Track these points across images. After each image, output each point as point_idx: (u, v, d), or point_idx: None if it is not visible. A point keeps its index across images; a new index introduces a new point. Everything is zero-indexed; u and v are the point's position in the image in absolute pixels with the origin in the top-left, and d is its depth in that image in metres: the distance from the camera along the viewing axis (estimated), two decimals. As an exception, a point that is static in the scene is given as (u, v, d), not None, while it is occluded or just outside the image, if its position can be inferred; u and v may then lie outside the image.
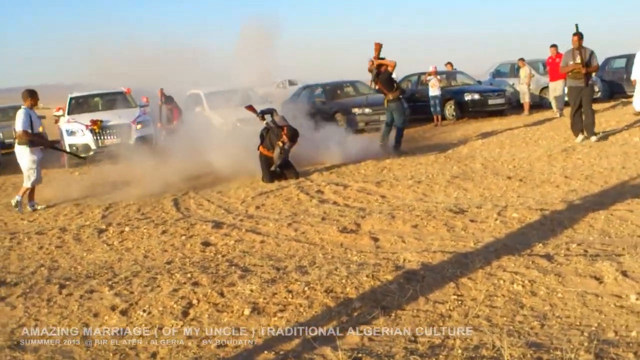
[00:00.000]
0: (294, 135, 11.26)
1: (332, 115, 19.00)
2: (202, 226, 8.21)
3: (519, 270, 5.64)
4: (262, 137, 11.57)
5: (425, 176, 10.57)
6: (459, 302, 5.07)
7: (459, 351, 4.15)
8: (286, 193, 10.03)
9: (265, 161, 11.35)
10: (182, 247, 7.36)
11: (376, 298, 5.24)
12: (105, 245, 7.79)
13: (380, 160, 12.65)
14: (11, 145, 21.17)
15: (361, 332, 4.62)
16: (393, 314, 4.92)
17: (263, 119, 11.91)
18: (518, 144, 13.76)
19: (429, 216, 7.72)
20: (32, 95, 10.33)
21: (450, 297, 5.20)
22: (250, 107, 12.36)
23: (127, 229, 8.44)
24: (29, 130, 10.14)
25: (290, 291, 5.46)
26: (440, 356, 4.11)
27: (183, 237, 7.76)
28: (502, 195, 8.86)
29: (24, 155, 10.38)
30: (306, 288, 5.50)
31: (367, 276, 5.69)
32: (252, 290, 5.52)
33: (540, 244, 6.38)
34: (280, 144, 11.11)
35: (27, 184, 10.47)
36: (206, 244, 7.42)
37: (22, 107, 10.36)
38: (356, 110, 18.51)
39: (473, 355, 4.07)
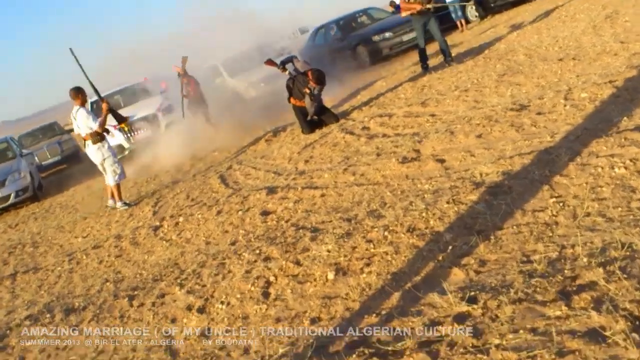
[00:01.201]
0: (320, 77, 10.54)
1: (354, 49, 18.25)
2: (255, 196, 7.69)
3: (614, 151, 5.01)
4: (289, 88, 10.92)
5: (470, 82, 9.84)
6: (561, 205, 4.47)
7: (584, 260, 3.56)
8: (331, 139, 9.42)
9: (300, 112, 10.73)
10: (242, 223, 6.86)
11: (466, 224, 4.67)
12: (164, 242, 7.34)
13: (417, 80, 11.92)
14: (49, 167, 21.23)
15: (464, 266, 4.07)
16: (492, 237, 4.35)
17: (285, 69, 11.22)
18: (555, 24, 12.85)
19: (490, 121, 7.06)
20: (79, 91, 9.74)
21: (549, 201, 4.60)
22: (269, 62, 11.71)
23: (181, 219, 7.98)
24: (97, 124, 9.70)
25: (370, 241, 4.92)
26: (566, 271, 3.52)
27: (240, 213, 7.26)
28: (559, 80, 8.13)
29: (103, 153, 9.94)
30: (386, 233, 4.95)
31: (447, 202, 5.11)
32: (328, 251, 5.00)
33: (625, 118, 5.71)
34: (308, 90, 10.42)
35: (113, 181, 10.12)
36: (265, 213, 6.91)
37: (76, 106, 9.80)
38: (376, 38, 17.69)
39: (603, 261, 3.48)
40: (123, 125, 14.78)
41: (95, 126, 9.62)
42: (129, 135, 15.41)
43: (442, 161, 6.40)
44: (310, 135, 10.34)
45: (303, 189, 7.24)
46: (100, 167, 10.21)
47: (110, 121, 15.51)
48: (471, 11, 19.46)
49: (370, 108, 10.80)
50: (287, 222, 6.35)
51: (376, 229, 5.09)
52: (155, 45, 22.40)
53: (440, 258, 4.30)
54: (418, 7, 11.85)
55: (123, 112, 15.94)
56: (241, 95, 16.67)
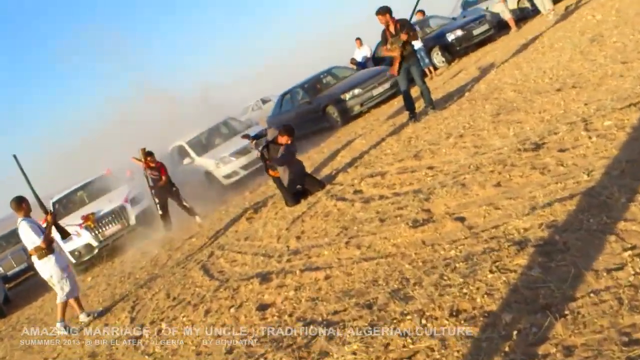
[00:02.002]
0: (287, 128, 9.66)
1: (323, 111, 17.45)
2: (247, 287, 6.64)
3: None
4: (264, 159, 9.95)
5: (462, 127, 8.97)
6: (643, 257, 3.51)
7: None
8: (321, 208, 8.44)
9: (281, 183, 9.76)
10: (237, 323, 5.79)
11: (527, 298, 3.68)
12: (146, 357, 6.22)
13: (400, 132, 11.03)
14: (15, 277, 19.95)
15: (544, 358, 3.07)
16: (567, 313, 3.37)
17: (256, 143, 10.45)
18: (534, 57, 12.15)
19: (505, 166, 6.16)
20: (21, 201, 8.64)
21: (623, 255, 3.68)
22: (245, 136, 10.96)
23: (163, 325, 6.88)
24: (41, 239, 8.47)
25: (405, 334, 3.91)
26: None
27: (232, 310, 6.20)
28: (566, 111, 7.29)
29: (50, 267, 8.67)
30: (423, 320, 3.95)
31: (490, 272, 4.14)
32: (354, 354, 3.98)
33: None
34: (282, 151, 9.50)
35: (62, 297, 8.82)
36: (263, 307, 5.85)
37: (20, 219, 8.69)
38: (346, 96, 16.90)
39: None
40: (89, 222, 13.83)
41: (38, 241, 8.46)
42: (96, 232, 14.30)
43: (461, 219, 5.44)
44: (295, 207, 9.35)
45: (302, 271, 6.21)
46: (49, 283, 9.01)
47: (75, 220, 14.55)
48: (437, 57, 18.86)
49: (357, 169, 9.86)
50: (290, 316, 5.30)
51: (409, 317, 4.09)
52: (112, 133, 21.58)
53: (506, 349, 3.30)
54: (396, 53, 11.03)
55: (88, 207, 14.97)
56: (212, 174, 15.70)
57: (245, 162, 15.43)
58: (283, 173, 9.62)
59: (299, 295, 5.66)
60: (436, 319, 3.91)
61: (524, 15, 20.31)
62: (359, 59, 21.18)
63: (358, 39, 21.30)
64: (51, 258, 8.60)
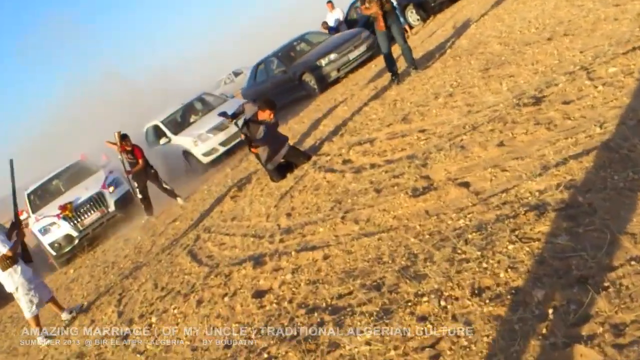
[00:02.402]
0: (267, 100, 9.15)
1: (300, 79, 16.91)
2: (240, 272, 6.23)
3: None
4: (247, 137, 9.45)
5: (450, 86, 8.56)
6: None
7: None
8: (309, 182, 8.01)
9: (266, 159, 9.30)
10: (233, 314, 5.38)
11: (558, 270, 3.30)
12: (137, 355, 5.81)
13: (384, 96, 10.58)
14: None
15: (591, 339, 2.71)
16: (608, 284, 3.00)
17: (231, 120, 10.01)
18: (515, 7, 11.71)
19: (507, 124, 5.78)
20: None
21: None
22: (223, 114, 10.47)
23: (153, 319, 6.47)
24: (7, 247, 7.87)
25: (424, 318, 3.53)
26: None
27: (226, 298, 5.79)
28: (561, 61, 6.91)
29: (15, 279, 7.97)
30: (442, 302, 3.56)
31: (511, 242, 3.76)
32: (369, 344, 3.59)
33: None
34: (263, 125, 8.98)
35: (33, 311, 8.14)
36: (259, 293, 5.45)
37: None
38: (322, 62, 16.36)
39: None
40: (67, 212, 13.31)
41: (4, 250, 7.86)
42: (75, 222, 13.77)
43: (466, 185, 5.06)
44: (282, 182, 8.91)
45: (297, 252, 5.81)
46: (14, 296, 8.30)
47: (52, 211, 14.01)
48: (412, 15, 18.33)
49: (342, 137, 9.42)
50: (290, 302, 4.91)
51: (425, 298, 3.71)
52: (89, 114, 20.98)
53: (544, 331, 2.92)
54: (374, 10, 10.50)
55: (65, 196, 14.41)
56: (191, 152, 15.19)
57: (223, 137, 14.91)
58: (263, 151, 9.14)
59: (297, 279, 5.26)
60: (457, 299, 3.54)
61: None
62: (331, 23, 20.61)
63: (329, 2, 20.65)
64: (17, 269, 7.96)
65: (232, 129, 14.91)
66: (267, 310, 5.03)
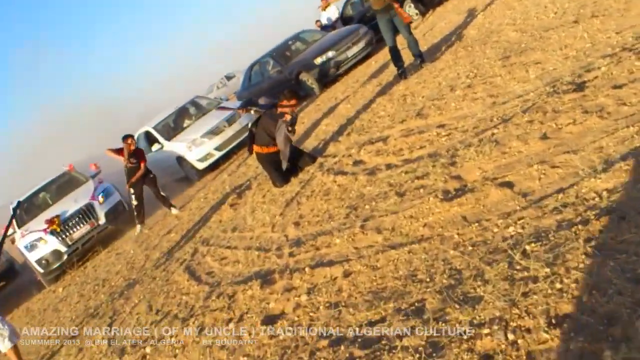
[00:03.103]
0: (293, 92, 8.53)
1: (297, 79, 16.14)
2: (246, 292, 5.46)
3: None
4: (251, 134, 8.68)
5: (466, 76, 7.82)
6: None
7: None
8: (318, 186, 7.26)
9: (269, 160, 8.52)
10: (240, 345, 4.61)
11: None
12: (130, 394, 5.05)
13: (391, 91, 9.81)
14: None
15: None
16: None
17: (248, 109, 9.08)
18: (526, -7, 10.99)
19: (547, 114, 5.04)
20: None
21: None
22: (222, 107, 9.71)
23: (148, 349, 5.68)
24: None
25: (489, 357, 2.77)
26: None
27: (231, 325, 5.01)
28: (595, 44, 6.17)
29: None
30: (511, 334, 2.81)
31: (587, 255, 3.02)
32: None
33: None
34: (288, 118, 8.09)
35: (11, 341, 7.08)
36: (270, 319, 4.68)
37: None
38: (319, 60, 15.61)
39: None
40: (54, 226, 12.53)
41: None
42: (63, 236, 12.96)
43: (508, 185, 4.31)
44: (286, 188, 8.16)
45: (312, 268, 5.04)
46: None
47: (38, 225, 13.21)
48: (410, 9, 17.58)
49: (349, 136, 8.67)
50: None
51: (485, 329, 2.95)
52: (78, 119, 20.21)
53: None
54: (376, 3, 9.74)
55: (52, 209, 13.63)
56: (185, 158, 14.39)
57: (219, 142, 14.15)
58: (285, 147, 8.33)
59: (314, 301, 4.50)
60: (529, 330, 2.79)
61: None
62: (324, 21, 19.90)
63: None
64: None
65: (229, 132, 14.19)
66: (280, 340, 4.27)
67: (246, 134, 14.27)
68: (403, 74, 10.12)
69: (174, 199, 12.76)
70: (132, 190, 11.64)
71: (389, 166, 6.39)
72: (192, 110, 16.59)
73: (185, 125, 15.76)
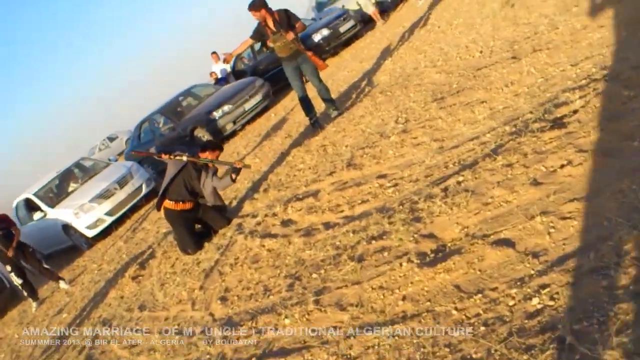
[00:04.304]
0: (215, 143, 7.95)
1: (191, 135, 15.06)
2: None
3: None
4: (164, 189, 7.46)
5: (395, 121, 7.13)
6: None
7: None
8: (241, 252, 6.27)
9: (183, 219, 7.42)
10: None
11: None
12: None
13: (307, 143, 8.93)
14: None
15: None
16: None
17: (168, 155, 7.61)
18: (435, 37, 10.57)
19: (527, 155, 4.35)
20: None
21: None
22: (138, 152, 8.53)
23: None
24: None
25: None
26: None
27: None
28: (549, 77, 5.65)
29: None
30: None
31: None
32: None
33: None
34: (209, 171, 7.25)
35: None
36: None
37: None
38: (215, 114, 14.66)
39: None
40: None
41: None
42: None
43: (507, 243, 3.53)
44: (200, 255, 7.10)
45: None
46: None
47: None
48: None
49: (267, 193, 7.72)
50: None
51: None
52: None
53: None
54: (287, 52, 8.87)
55: None
56: (72, 226, 12.97)
57: (109, 206, 12.87)
58: (215, 200, 7.43)
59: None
60: None
61: (383, 9, 19.14)
62: (220, 74, 19.03)
63: (214, 52, 19.07)
64: None
65: (120, 195, 12.97)
66: None
67: (140, 196, 13.15)
68: (316, 123, 9.32)
69: (62, 272, 11.35)
70: (9, 268, 10.18)
71: (327, 225, 5.52)
72: (77, 172, 15.20)
73: (70, 189, 14.34)
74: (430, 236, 4.10)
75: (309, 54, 8.95)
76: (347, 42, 17.78)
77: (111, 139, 38.68)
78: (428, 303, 3.47)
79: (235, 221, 7.43)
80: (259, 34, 8.87)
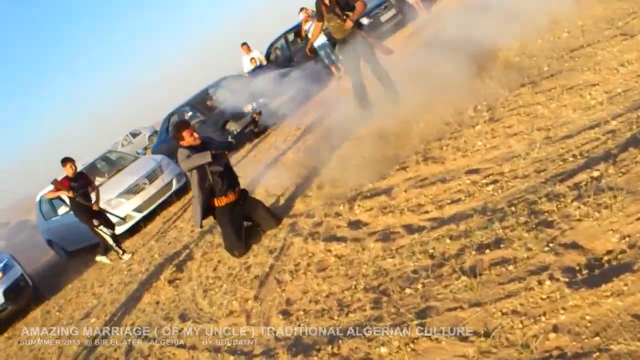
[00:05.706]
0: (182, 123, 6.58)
1: (222, 128, 14.17)
2: None
3: None
4: (202, 183, 6.42)
5: (474, 109, 6.19)
6: None
7: None
8: (301, 257, 5.37)
9: (229, 215, 6.46)
10: None
11: None
12: None
13: (361, 135, 7.95)
14: None
15: None
16: None
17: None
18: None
19: None
20: None
21: None
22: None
23: None
24: None
25: None
26: None
27: None
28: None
29: None
30: None
31: None
32: None
33: None
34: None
35: None
36: None
37: None
38: (249, 109, 13.76)
39: None
40: None
41: None
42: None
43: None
44: (249, 259, 6.21)
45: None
46: None
47: None
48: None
49: (321, 190, 6.82)
50: None
51: None
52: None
53: None
54: (337, 31, 7.94)
55: None
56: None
57: (139, 202, 12.02)
58: (199, 193, 6.34)
59: None
60: None
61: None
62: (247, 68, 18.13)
63: (245, 44, 18.18)
64: None
65: (150, 190, 12.13)
66: None
67: (170, 192, 12.31)
68: (370, 112, 8.35)
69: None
70: (96, 222, 10.17)
71: (410, 228, 4.61)
72: (104, 167, 14.38)
73: (97, 184, 13.51)
74: (574, 246, 3.18)
75: (371, 40, 8.01)
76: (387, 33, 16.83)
77: (134, 134, 38.20)
78: (597, 338, 2.56)
79: (287, 221, 6.53)
80: (320, 14, 7.99)
